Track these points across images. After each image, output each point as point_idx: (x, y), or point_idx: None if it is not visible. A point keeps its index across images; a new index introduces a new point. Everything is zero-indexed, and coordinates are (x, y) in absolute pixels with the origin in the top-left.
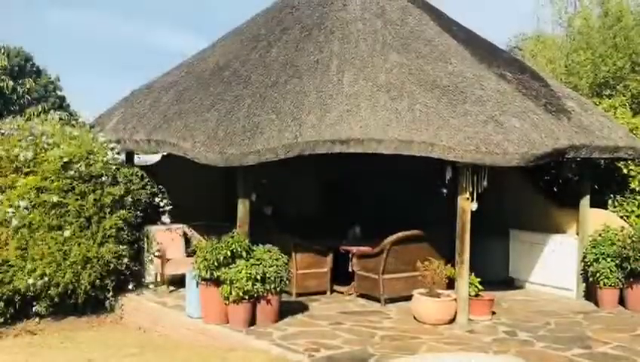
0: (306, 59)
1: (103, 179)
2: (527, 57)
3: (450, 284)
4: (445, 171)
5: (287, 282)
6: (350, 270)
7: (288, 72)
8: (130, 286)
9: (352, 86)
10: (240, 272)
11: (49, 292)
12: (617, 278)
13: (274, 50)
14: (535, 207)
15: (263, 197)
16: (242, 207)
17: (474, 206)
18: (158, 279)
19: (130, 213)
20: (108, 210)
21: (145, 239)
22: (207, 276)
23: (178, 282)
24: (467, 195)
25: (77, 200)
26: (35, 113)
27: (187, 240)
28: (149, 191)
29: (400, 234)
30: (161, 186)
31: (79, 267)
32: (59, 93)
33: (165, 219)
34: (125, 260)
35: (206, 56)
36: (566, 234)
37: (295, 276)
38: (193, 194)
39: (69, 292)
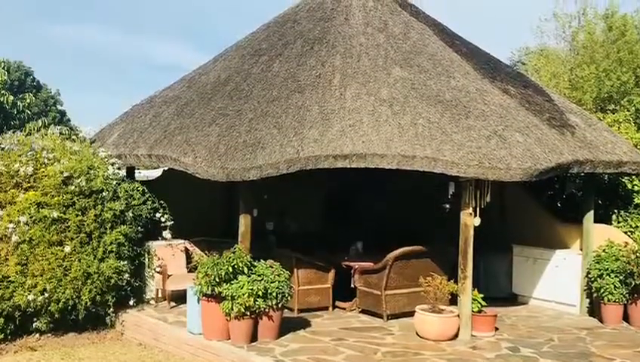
0: (308, 73)
1: (104, 194)
2: (530, 72)
3: (453, 300)
4: (448, 186)
5: (288, 298)
6: (352, 286)
7: (290, 87)
8: (130, 302)
9: (355, 100)
10: (241, 288)
11: (49, 308)
12: (621, 294)
13: (276, 65)
14: (538, 223)
15: (265, 212)
16: (244, 223)
17: (477, 221)
18: (159, 295)
19: (131, 228)
20: (109, 225)
21: (146, 255)
22: (209, 292)
23: (179, 298)
24: (470, 210)
25: (77, 215)
26: (36, 128)
27: (188, 256)
28: (150, 207)
29: (402, 250)
30: (162, 201)
31: (80, 283)
32: (59, 107)
33: (166, 234)
34: (126, 276)
35: (207, 71)
36: (570, 250)
37: (297, 292)
38: (194, 210)
39: (69, 308)
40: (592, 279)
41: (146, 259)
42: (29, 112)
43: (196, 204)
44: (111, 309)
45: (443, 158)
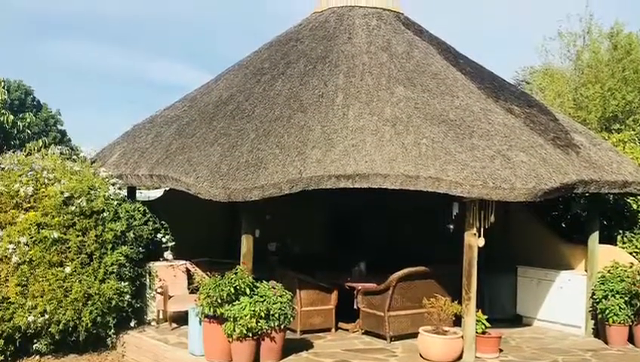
0: (311, 93)
1: (105, 214)
2: (535, 91)
3: (457, 321)
4: (452, 207)
5: (291, 319)
6: (355, 307)
7: (292, 106)
8: (132, 324)
9: (358, 120)
10: (243, 309)
11: (50, 329)
12: (627, 315)
13: (278, 84)
14: (543, 243)
15: (267, 233)
16: (246, 243)
17: (481, 242)
18: (161, 316)
19: (132, 249)
20: (109, 246)
21: (147, 275)
22: (211, 313)
23: (181, 319)
24: (474, 231)
25: (78, 236)
26: (36, 147)
27: (190, 277)
28: (151, 227)
29: (406, 271)
30: (163, 222)
31: (80, 304)
32: (60, 127)
33: (167, 255)
34: (127, 297)
35: (209, 90)
36: (574, 271)
37: (299, 313)
38: (196, 230)
39: (70, 329)
40: (597, 300)
41: (147, 280)
42: (29, 132)
43: (198, 224)
44: (112, 330)
45: (447, 178)
